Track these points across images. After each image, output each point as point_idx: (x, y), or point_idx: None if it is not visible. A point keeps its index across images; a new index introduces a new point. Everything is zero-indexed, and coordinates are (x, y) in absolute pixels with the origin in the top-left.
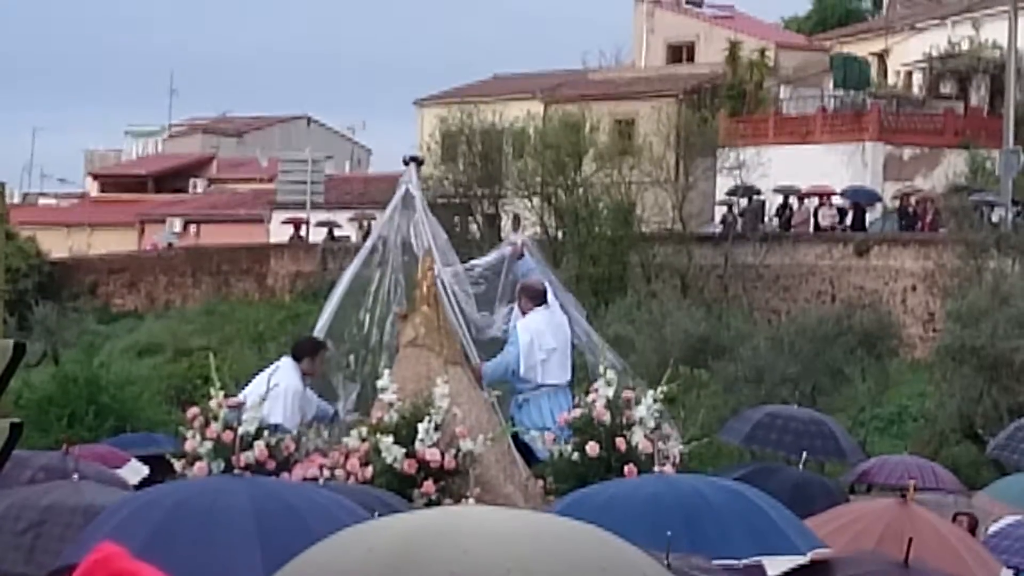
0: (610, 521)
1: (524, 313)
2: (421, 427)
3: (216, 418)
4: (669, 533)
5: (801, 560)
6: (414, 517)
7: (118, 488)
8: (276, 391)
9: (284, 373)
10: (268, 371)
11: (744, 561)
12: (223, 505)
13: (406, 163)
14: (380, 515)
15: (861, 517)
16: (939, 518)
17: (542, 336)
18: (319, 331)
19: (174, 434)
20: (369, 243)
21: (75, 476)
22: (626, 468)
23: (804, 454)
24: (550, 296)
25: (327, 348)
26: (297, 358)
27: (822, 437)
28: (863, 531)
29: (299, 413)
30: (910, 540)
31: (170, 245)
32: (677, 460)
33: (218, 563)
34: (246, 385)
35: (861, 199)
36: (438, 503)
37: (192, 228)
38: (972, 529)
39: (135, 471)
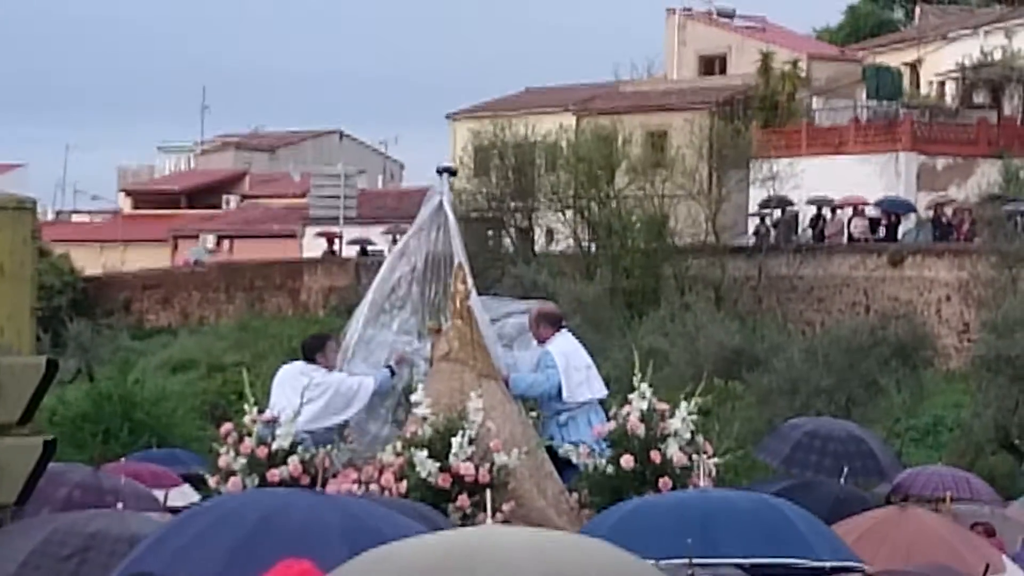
0: (632, 528)
1: (542, 340)
2: (455, 441)
3: (250, 434)
4: (689, 540)
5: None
6: (436, 545)
7: (158, 513)
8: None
9: (314, 375)
10: (295, 381)
11: (754, 560)
12: (314, 520)
13: (440, 173)
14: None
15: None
16: (930, 513)
17: (576, 356)
18: (349, 341)
19: (207, 450)
20: (406, 264)
21: (119, 505)
22: (660, 481)
23: (844, 468)
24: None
25: (331, 338)
26: (311, 359)
27: (861, 456)
28: (850, 530)
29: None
30: (987, 566)
31: (197, 262)
32: (713, 473)
33: None
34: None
35: (895, 209)
36: (472, 517)
37: (225, 244)
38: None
39: (183, 495)
